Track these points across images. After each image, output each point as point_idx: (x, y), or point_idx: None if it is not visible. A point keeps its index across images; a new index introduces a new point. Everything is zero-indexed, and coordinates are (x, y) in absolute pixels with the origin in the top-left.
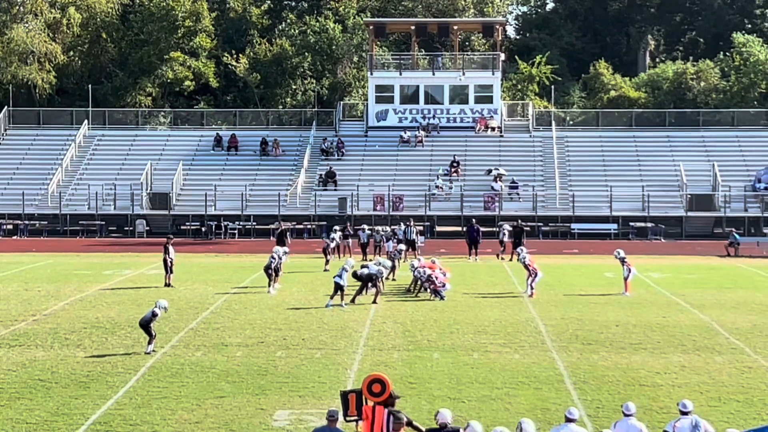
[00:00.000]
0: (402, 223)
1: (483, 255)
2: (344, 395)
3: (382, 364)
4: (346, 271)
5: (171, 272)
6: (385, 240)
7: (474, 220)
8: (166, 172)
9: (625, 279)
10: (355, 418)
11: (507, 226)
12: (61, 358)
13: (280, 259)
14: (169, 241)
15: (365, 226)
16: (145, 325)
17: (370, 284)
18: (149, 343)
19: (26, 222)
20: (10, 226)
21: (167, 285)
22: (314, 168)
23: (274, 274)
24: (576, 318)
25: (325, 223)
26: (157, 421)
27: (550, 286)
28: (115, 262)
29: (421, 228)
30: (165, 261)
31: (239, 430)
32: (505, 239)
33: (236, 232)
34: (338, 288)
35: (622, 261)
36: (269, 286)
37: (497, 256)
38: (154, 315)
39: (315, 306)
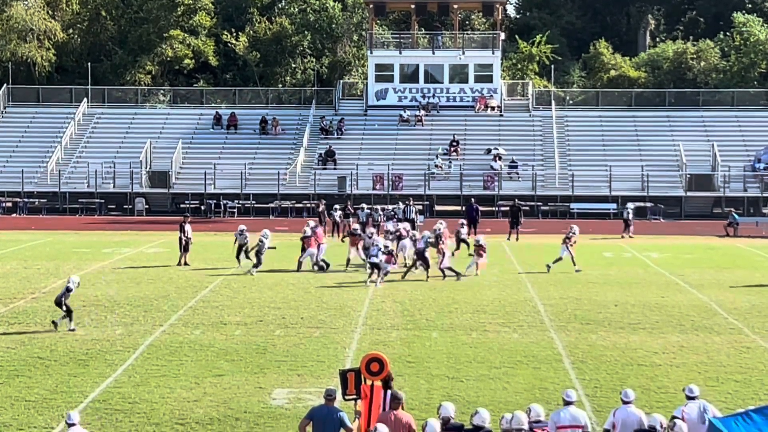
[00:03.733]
0: (401, 202)
1: (482, 234)
2: (343, 374)
3: (381, 344)
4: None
5: (187, 251)
6: (384, 219)
7: (473, 199)
8: (166, 151)
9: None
10: (354, 396)
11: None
12: (60, 336)
13: (264, 242)
14: (186, 220)
15: (364, 205)
16: (59, 302)
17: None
18: (67, 318)
19: (25, 200)
20: (9, 204)
21: (182, 264)
22: (314, 147)
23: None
24: (574, 298)
25: (318, 204)
26: (155, 399)
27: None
28: (114, 240)
29: (421, 207)
30: (180, 240)
31: (238, 408)
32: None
33: (235, 210)
34: (375, 266)
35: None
36: (254, 268)
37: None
38: (68, 290)
39: (314, 285)
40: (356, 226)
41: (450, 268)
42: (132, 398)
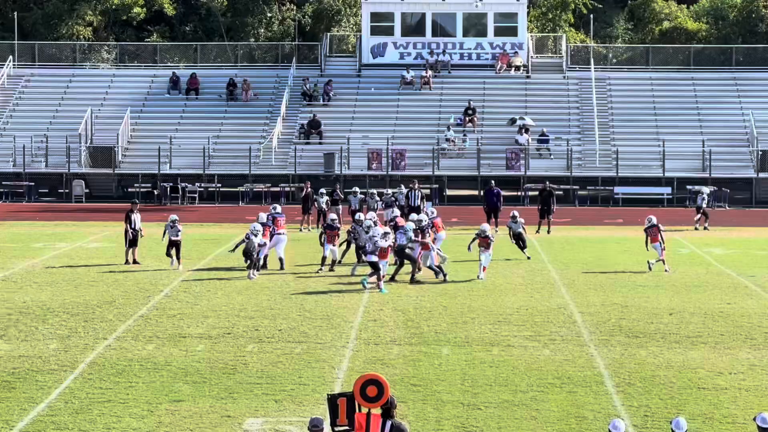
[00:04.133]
0: (403, 186)
1: (505, 226)
2: (332, 400)
3: (379, 362)
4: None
5: (135, 245)
6: (383, 206)
7: (494, 182)
8: (111, 122)
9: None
10: (346, 428)
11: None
12: None
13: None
14: (134, 208)
15: (357, 189)
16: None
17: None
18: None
19: None
20: None
21: (130, 262)
22: (294, 116)
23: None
24: (620, 304)
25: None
26: (98, 430)
27: (587, 264)
28: (47, 232)
29: (428, 192)
30: (126, 233)
31: None
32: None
33: (196, 195)
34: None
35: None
36: (250, 269)
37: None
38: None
39: (294, 289)
40: (333, 216)
41: (438, 267)
42: (69, 428)
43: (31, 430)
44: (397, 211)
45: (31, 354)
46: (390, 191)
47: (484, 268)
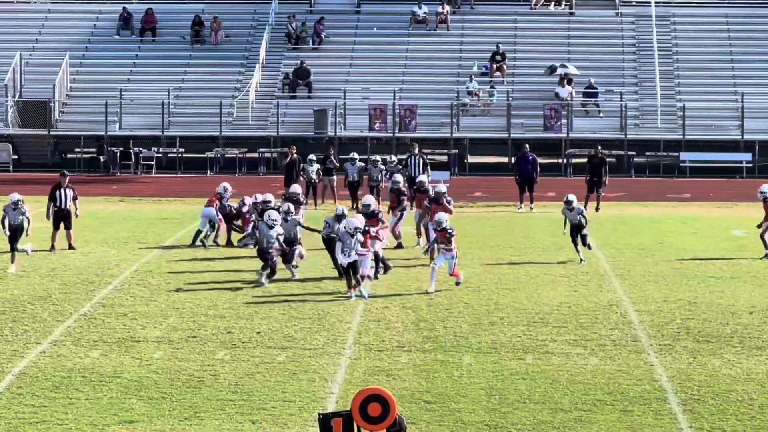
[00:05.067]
0: (415, 149)
1: (542, 201)
2: (324, 421)
3: (383, 373)
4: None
5: (68, 227)
6: (387, 176)
7: (528, 146)
8: (45, 70)
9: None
10: None
11: None
12: None
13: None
14: (62, 181)
15: (356, 155)
16: None
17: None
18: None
19: None
20: None
21: (56, 248)
22: (276, 63)
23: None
24: (686, 301)
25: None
26: None
27: (646, 250)
28: None
29: (445, 159)
30: (49, 211)
31: None
32: None
33: (153, 163)
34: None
35: None
36: (263, 272)
37: None
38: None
39: (278, 282)
40: (296, 189)
41: (382, 261)
42: None
43: None
44: (399, 178)
45: None
46: (394, 158)
47: (455, 274)
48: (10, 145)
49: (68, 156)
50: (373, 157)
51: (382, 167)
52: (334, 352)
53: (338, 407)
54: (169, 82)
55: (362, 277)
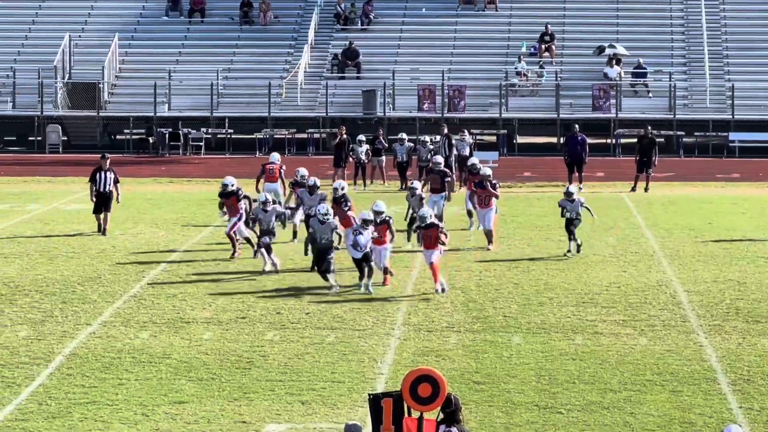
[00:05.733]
0: (464, 133)
1: (591, 181)
2: (374, 401)
3: (433, 353)
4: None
5: (107, 210)
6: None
7: (577, 126)
8: (94, 52)
9: None
10: None
11: None
12: None
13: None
14: (103, 164)
15: (404, 136)
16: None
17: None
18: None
19: None
20: None
21: (102, 231)
22: (325, 44)
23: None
24: (736, 281)
25: None
26: None
27: (695, 230)
28: (15, 191)
29: (471, 141)
30: (91, 193)
31: None
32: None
33: (202, 144)
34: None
35: None
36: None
37: None
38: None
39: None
40: (303, 171)
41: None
42: None
43: None
44: (440, 159)
45: None
46: (427, 138)
47: (435, 277)
48: (60, 127)
49: (117, 137)
50: (422, 138)
51: (431, 147)
52: (383, 333)
53: (387, 388)
54: (217, 63)
55: (384, 270)
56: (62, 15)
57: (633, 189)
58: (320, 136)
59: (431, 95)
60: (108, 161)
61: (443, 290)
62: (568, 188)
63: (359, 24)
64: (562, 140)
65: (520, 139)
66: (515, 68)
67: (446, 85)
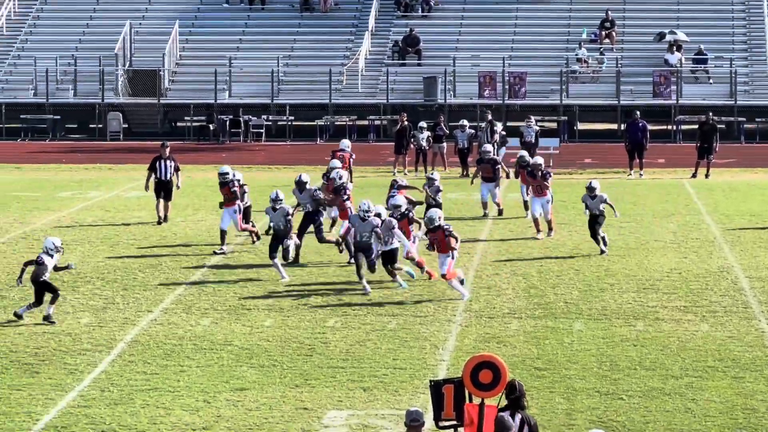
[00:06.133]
0: (530, 120)
1: (652, 168)
2: (435, 387)
3: (494, 340)
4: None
5: (168, 199)
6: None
7: (638, 113)
8: (154, 39)
9: None
10: (453, 422)
11: None
12: None
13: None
14: (163, 153)
15: (465, 122)
16: (39, 281)
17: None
18: (51, 303)
19: None
20: None
21: (162, 220)
22: (385, 31)
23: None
24: None
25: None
26: (143, 425)
27: (757, 216)
28: (76, 178)
29: (537, 128)
30: (148, 182)
31: None
32: None
33: (263, 131)
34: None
35: None
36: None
37: None
38: (39, 264)
39: None
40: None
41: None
42: (107, 423)
43: (59, 424)
44: (489, 147)
45: (58, 331)
46: (465, 123)
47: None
48: (121, 114)
49: (178, 124)
50: (482, 125)
51: (470, 132)
52: (444, 319)
53: (449, 374)
54: (278, 51)
55: (417, 263)
56: (123, 2)
57: (694, 175)
58: (381, 122)
59: (492, 82)
60: (168, 149)
61: (464, 297)
62: (590, 183)
63: (420, 11)
64: (622, 127)
65: (581, 126)
66: (576, 55)
67: (507, 72)
